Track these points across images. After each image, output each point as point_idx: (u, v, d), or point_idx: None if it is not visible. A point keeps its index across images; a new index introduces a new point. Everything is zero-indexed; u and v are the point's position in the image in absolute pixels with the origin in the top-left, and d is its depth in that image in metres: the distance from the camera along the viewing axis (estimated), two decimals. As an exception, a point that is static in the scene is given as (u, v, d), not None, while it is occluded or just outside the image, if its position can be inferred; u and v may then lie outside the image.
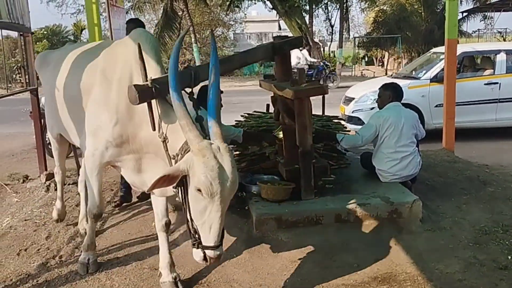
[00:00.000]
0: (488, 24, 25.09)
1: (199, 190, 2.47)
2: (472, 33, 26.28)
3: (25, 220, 4.74)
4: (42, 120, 6.41)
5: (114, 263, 3.67)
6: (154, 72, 2.92)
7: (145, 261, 3.67)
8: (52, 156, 7.78)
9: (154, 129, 2.84)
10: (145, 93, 2.76)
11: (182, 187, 2.60)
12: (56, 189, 5.67)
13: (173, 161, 2.74)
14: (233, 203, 4.51)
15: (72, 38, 31.90)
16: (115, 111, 3.04)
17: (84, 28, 30.47)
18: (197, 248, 2.61)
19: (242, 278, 3.39)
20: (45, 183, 5.94)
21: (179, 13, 22.73)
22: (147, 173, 3.14)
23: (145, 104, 2.83)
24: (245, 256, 3.68)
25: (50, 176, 6.00)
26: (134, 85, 2.77)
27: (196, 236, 2.59)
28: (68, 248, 3.98)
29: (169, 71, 2.67)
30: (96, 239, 4.11)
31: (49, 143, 8.09)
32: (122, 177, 4.90)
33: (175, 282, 3.28)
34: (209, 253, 2.58)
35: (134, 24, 4.79)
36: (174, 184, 2.58)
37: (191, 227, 2.61)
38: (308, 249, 3.71)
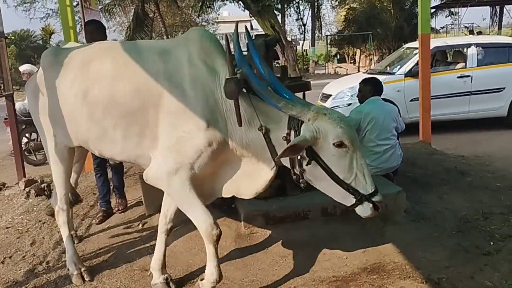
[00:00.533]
0: (455, 20, 25.69)
1: (340, 145, 2.56)
2: (440, 29, 26.85)
3: (6, 228, 4.65)
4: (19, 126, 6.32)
5: (103, 266, 3.64)
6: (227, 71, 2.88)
7: (134, 262, 3.66)
8: (30, 163, 7.72)
9: (240, 125, 2.75)
10: (241, 85, 2.69)
11: (318, 161, 2.62)
12: (36, 195, 5.61)
13: (279, 148, 2.69)
14: (220, 202, 4.55)
15: (41, 43, 31.31)
16: (201, 116, 2.78)
17: (53, 33, 30.00)
18: (363, 202, 2.64)
19: (233, 275, 3.40)
20: (24, 189, 5.82)
21: (151, 15, 22.56)
22: (220, 180, 3.02)
23: (228, 104, 2.81)
24: (235, 253, 3.70)
25: (30, 183, 5.90)
26: (232, 78, 2.67)
27: (356, 193, 2.62)
28: (55, 254, 3.93)
29: (242, 65, 2.70)
30: (83, 243, 4.10)
31: (26, 150, 8.01)
32: (100, 190, 4.76)
33: (167, 282, 3.27)
34: (377, 198, 2.65)
35: (95, 25, 4.71)
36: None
37: (348, 189, 2.63)
38: (297, 243, 3.74)
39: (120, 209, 4.78)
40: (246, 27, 3.03)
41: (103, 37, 4.50)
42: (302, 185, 2.75)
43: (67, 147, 3.37)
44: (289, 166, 2.77)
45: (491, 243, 3.68)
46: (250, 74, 2.67)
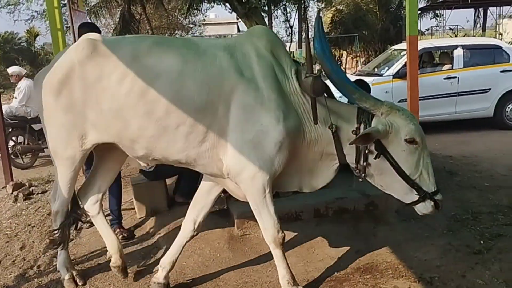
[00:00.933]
0: (440, 22, 25.93)
1: (411, 141, 2.69)
2: (425, 31, 27.08)
3: (-5, 232, 4.60)
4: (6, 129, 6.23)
5: (96, 269, 3.62)
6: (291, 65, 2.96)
7: (127, 265, 3.62)
8: (17, 167, 7.61)
9: (316, 122, 2.82)
10: (325, 82, 2.80)
11: (386, 156, 2.74)
12: (25, 199, 5.55)
13: (347, 146, 2.81)
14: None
15: (25, 45, 30.99)
16: (277, 108, 2.79)
17: (38, 35, 29.68)
18: (425, 200, 2.76)
19: (227, 277, 3.40)
20: (12, 193, 5.76)
21: (137, 17, 22.42)
22: (284, 175, 3.00)
23: (296, 98, 2.89)
24: (229, 255, 3.71)
25: (17, 186, 5.85)
26: (318, 76, 2.75)
27: (420, 190, 2.75)
28: (46, 258, 3.89)
29: (323, 56, 2.77)
30: (74, 247, 4.06)
31: (13, 153, 7.89)
32: None
33: (167, 284, 3.27)
34: (439, 196, 2.78)
35: (88, 29, 4.39)
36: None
37: (412, 185, 2.75)
38: (290, 244, 3.75)
39: (124, 236, 4.19)
40: (321, 20, 3.00)
41: None
42: (360, 180, 2.91)
43: (92, 147, 3.11)
44: (353, 162, 2.86)
45: (481, 242, 3.72)
46: (332, 67, 2.77)
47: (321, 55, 2.77)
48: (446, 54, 9.08)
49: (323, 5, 26.64)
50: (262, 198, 2.86)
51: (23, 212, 5.13)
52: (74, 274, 3.42)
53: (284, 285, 2.99)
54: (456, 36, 23.54)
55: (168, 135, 2.85)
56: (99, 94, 2.91)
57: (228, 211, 4.26)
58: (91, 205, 3.43)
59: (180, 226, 4.15)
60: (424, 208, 2.79)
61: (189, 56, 2.88)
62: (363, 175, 2.86)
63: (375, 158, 2.76)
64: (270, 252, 3.62)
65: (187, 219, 3.26)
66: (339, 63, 29.45)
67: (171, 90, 2.81)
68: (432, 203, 2.78)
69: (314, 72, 2.80)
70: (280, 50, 2.99)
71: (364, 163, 2.81)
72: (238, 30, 36.51)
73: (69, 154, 3.10)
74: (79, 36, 4.46)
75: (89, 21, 7.21)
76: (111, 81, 2.88)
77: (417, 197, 2.77)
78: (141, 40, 3.07)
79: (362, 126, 2.79)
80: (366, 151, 2.78)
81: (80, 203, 3.47)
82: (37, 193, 5.78)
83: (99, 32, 4.53)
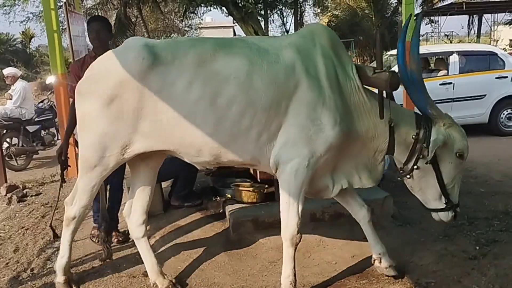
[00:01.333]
0: (435, 28, 26.09)
1: (460, 156, 2.88)
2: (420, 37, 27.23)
3: (-12, 234, 4.56)
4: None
5: (90, 273, 3.58)
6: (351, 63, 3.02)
7: (122, 269, 3.60)
8: (11, 169, 7.57)
9: (382, 117, 2.86)
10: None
11: (434, 164, 2.87)
12: (19, 201, 5.52)
13: (400, 145, 2.95)
14: (208, 207, 4.54)
15: (20, 46, 30.93)
16: (336, 108, 2.82)
17: (33, 36, 29.65)
18: (449, 210, 2.97)
19: (223, 281, 3.38)
20: (5, 195, 5.73)
21: (133, 20, 22.40)
22: (340, 173, 3.07)
23: (356, 97, 2.95)
24: (224, 259, 3.68)
25: (11, 188, 5.82)
26: (395, 72, 2.85)
27: (449, 200, 2.94)
28: (39, 260, 3.85)
29: (416, 54, 2.84)
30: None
31: (7, 155, 7.84)
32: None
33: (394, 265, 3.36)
34: (458, 209, 3.00)
35: (100, 22, 4.12)
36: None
37: (445, 195, 2.93)
38: (286, 249, 3.74)
39: (120, 239, 4.13)
40: (398, 23, 3.13)
41: (110, 36, 4.07)
42: (399, 178, 3.09)
43: (133, 157, 2.99)
44: (401, 160, 2.99)
45: (477, 247, 3.71)
46: (419, 67, 2.86)
47: (415, 52, 2.84)
48: (442, 60, 9.11)
49: (319, 10, 26.73)
50: (297, 194, 2.86)
51: (17, 215, 5.11)
52: (69, 277, 3.38)
53: (285, 285, 2.97)
54: (451, 42, 23.69)
55: (238, 138, 2.83)
56: (159, 103, 2.80)
57: (224, 215, 4.24)
58: (135, 227, 3.34)
59: (175, 229, 4.18)
60: (445, 216, 2.99)
61: (253, 56, 2.86)
62: (407, 176, 2.97)
63: (426, 163, 2.87)
64: (266, 256, 3.66)
65: (354, 210, 3.39)
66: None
67: (241, 92, 2.78)
68: (453, 213, 2.97)
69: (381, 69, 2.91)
70: (341, 48, 3.04)
71: (414, 166, 2.92)
72: (234, 34, 36.50)
73: (104, 162, 2.97)
74: (90, 31, 4.08)
75: (83, 23, 7.09)
76: (175, 90, 2.79)
77: (443, 206, 2.95)
78: (201, 43, 2.96)
79: (421, 132, 2.88)
80: (420, 156, 2.88)
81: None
82: (31, 196, 5.77)
83: (110, 26, 4.29)
